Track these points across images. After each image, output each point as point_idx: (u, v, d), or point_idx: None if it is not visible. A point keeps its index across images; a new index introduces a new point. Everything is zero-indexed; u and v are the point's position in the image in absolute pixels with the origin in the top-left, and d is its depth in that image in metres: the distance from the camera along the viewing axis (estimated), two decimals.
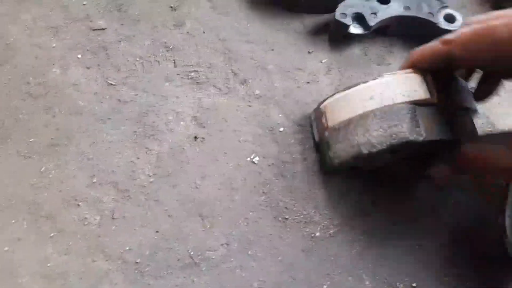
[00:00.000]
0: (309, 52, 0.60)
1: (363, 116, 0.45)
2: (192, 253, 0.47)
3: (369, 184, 0.51)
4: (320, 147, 0.50)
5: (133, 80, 0.56)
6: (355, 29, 0.58)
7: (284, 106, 0.56)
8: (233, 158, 0.52)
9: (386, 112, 0.44)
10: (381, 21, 0.57)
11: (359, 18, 0.57)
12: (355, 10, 0.57)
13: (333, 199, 0.51)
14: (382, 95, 0.45)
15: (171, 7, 0.62)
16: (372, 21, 0.57)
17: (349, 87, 0.47)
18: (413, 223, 0.50)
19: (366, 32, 0.58)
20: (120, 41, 0.59)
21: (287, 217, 0.50)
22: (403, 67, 0.47)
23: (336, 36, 0.60)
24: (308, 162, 0.52)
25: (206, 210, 0.49)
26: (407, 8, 0.58)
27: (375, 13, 0.57)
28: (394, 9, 0.58)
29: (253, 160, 0.52)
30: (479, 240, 0.50)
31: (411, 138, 0.42)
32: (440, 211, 0.51)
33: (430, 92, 0.44)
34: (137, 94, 0.55)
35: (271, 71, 0.57)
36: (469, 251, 0.49)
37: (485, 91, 0.50)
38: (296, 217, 0.50)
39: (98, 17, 0.61)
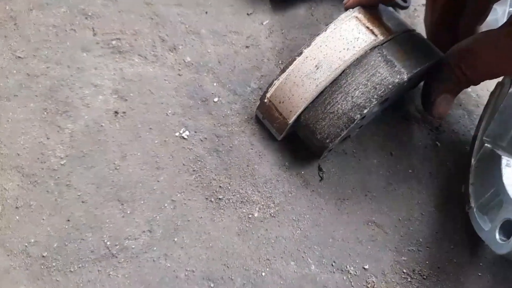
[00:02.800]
0: (248, 14, 0.53)
1: (334, 82, 0.39)
2: (108, 243, 0.40)
3: (315, 156, 0.45)
4: (302, 137, 0.44)
5: (45, 52, 0.49)
6: None
7: (219, 73, 0.49)
8: (159, 134, 0.45)
9: (356, 67, 0.39)
10: None
11: None
12: None
13: (274, 174, 0.44)
14: (326, 59, 0.39)
15: None
16: None
17: (285, 67, 0.41)
18: (366, 197, 0.44)
19: None
20: (31, 10, 0.51)
21: (220, 197, 0.43)
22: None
23: None
24: (246, 134, 0.46)
25: (126, 194, 0.42)
26: None
27: None
28: None
29: (183, 135, 0.45)
30: (441, 213, 0.44)
31: (396, 80, 0.38)
32: (396, 183, 0.45)
33: (370, 31, 0.40)
34: (49, 67, 0.48)
35: (204, 36, 0.51)
36: (429, 225, 0.43)
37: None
38: (232, 197, 0.43)
39: None
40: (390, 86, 0.38)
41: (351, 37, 0.40)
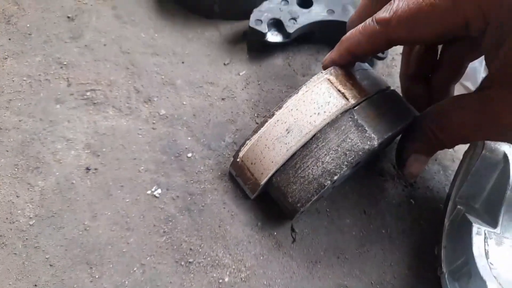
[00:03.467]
0: (224, 64, 0.52)
1: (305, 146, 0.39)
2: None
3: (287, 219, 0.45)
4: (274, 198, 0.43)
5: (18, 104, 0.48)
6: (273, 37, 0.51)
7: (194, 127, 0.48)
8: (130, 191, 0.45)
9: (327, 132, 0.39)
10: (302, 27, 0.50)
11: (277, 25, 0.51)
12: (271, 15, 0.50)
13: (246, 236, 0.44)
14: (297, 123, 0.39)
15: (68, 17, 0.54)
16: (292, 28, 0.50)
17: (257, 128, 0.41)
18: (338, 259, 0.44)
19: (287, 40, 0.51)
20: (6, 58, 0.51)
21: (191, 260, 0.42)
22: (334, 57, 0.41)
23: (254, 46, 0.53)
24: (219, 192, 0.45)
25: (95, 257, 0.42)
26: (331, 12, 0.51)
27: (295, 19, 0.50)
28: (317, 14, 0.51)
29: (154, 193, 0.45)
30: (413, 275, 0.44)
31: (366, 147, 0.38)
32: (369, 243, 0.45)
33: (342, 94, 0.39)
34: (21, 120, 0.47)
35: (179, 87, 0.50)
36: None
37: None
38: (202, 260, 0.43)
39: None
40: (361, 153, 0.38)
41: (322, 101, 0.39)
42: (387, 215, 0.47)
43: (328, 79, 0.40)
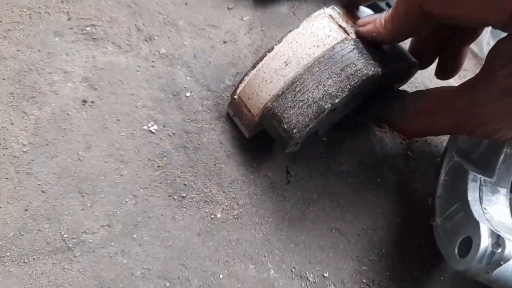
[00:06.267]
0: (229, 8, 0.52)
1: (307, 69, 0.38)
2: (65, 235, 0.40)
3: (284, 158, 0.44)
4: (268, 128, 0.41)
5: (17, 34, 0.47)
6: None
7: (194, 68, 0.48)
8: (126, 126, 0.44)
9: (331, 57, 0.37)
10: None
11: None
12: None
13: (241, 175, 0.43)
14: (295, 56, 0.38)
15: None
16: None
17: (256, 63, 0.40)
18: (332, 203, 0.44)
19: None
20: None
21: (184, 195, 0.42)
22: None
23: None
24: (216, 132, 0.45)
25: (88, 186, 0.41)
26: None
27: None
28: None
29: (151, 128, 0.44)
30: (406, 224, 0.44)
31: (371, 73, 0.37)
32: (363, 191, 0.44)
33: (343, 29, 0.39)
34: (19, 50, 0.46)
35: (181, 28, 0.49)
36: (393, 237, 0.43)
37: (452, 67, 0.43)
38: (196, 196, 0.42)
39: None
40: (364, 78, 0.37)
41: (322, 34, 0.39)
42: (384, 165, 0.46)
43: (330, 15, 0.40)
